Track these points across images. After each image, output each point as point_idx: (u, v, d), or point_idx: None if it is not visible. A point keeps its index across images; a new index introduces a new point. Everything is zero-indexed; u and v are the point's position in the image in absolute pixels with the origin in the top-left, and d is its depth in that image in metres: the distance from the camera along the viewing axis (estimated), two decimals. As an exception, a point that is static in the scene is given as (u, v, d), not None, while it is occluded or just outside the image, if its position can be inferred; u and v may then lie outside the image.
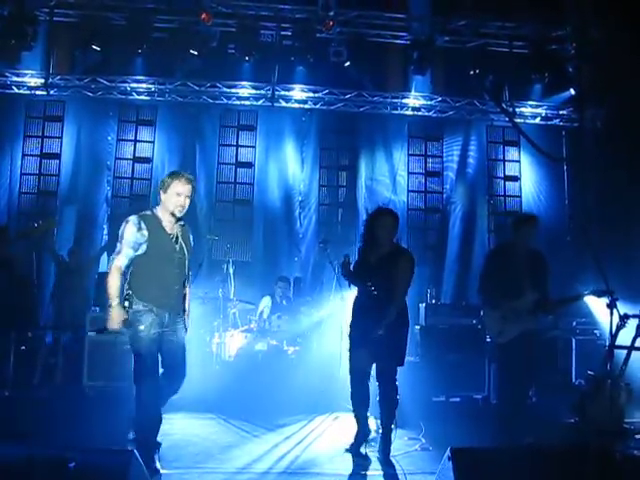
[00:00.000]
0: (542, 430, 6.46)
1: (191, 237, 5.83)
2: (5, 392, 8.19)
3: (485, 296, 6.58)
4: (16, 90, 10.91)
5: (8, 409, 7.44)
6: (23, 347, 8.70)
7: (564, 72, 10.37)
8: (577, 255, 10.49)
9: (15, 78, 10.74)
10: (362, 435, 6.06)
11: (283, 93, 11.08)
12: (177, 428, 6.84)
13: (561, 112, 11.46)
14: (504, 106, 10.72)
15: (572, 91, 10.83)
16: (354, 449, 5.99)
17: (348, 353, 6.12)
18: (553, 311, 6.42)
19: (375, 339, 5.78)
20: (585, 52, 10.21)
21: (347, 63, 10.16)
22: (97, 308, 8.79)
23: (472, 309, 9.13)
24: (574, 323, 9.25)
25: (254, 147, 11.74)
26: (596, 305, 8.14)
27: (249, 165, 11.67)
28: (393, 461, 5.76)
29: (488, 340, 8.06)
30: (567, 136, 11.81)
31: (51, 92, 10.89)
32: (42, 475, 3.11)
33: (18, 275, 8.95)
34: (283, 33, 10.11)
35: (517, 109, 11.14)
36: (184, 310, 5.76)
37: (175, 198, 5.37)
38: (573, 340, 9.18)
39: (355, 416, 6.09)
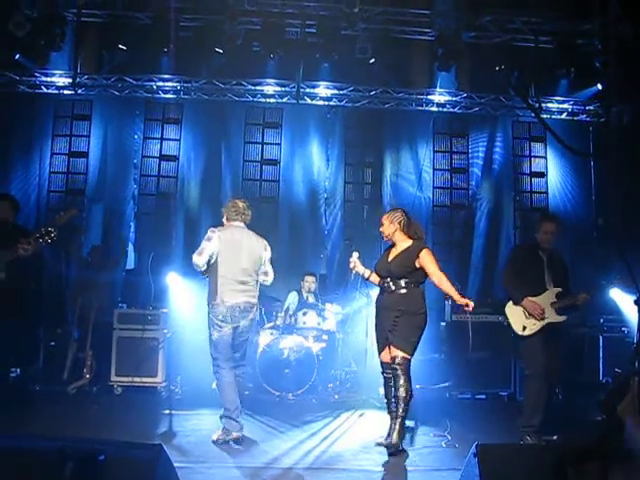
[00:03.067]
0: (569, 428, 6.44)
1: None
2: (36, 386, 8.34)
3: (509, 290, 6.64)
4: (45, 90, 11.03)
5: (39, 403, 7.56)
6: (52, 343, 8.84)
7: (591, 67, 10.21)
8: (604, 251, 10.40)
9: (44, 78, 10.84)
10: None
11: (308, 90, 11.07)
12: (204, 424, 6.91)
13: (588, 107, 11.33)
14: (530, 102, 10.63)
15: (599, 86, 10.70)
16: (388, 443, 6.06)
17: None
18: (576, 303, 6.41)
19: (387, 331, 6.01)
20: (612, 47, 10.08)
21: (372, 60, 10.12)
22: (124, 305, 8.90)
23: (498, 306, 9.05)
24: (602, 320, 9.16)
25: (279, 144, 11.76)
26: (624, 302, 8.09)
27: (274, 162, 11.69)
28: (416, 457, 5.79)
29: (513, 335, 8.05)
30: (594, 131, 11.67)
31: (79, 91, 10.97)
32: (73, 467, 3.16)
33: (48, 272, 9.09)
34: (308, 30, 10.08)
35: (543, 104, 11.03)
36: None
37: None
38: (601, 337, 9.11)
39: (388, 411, 6.20)
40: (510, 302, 6.55)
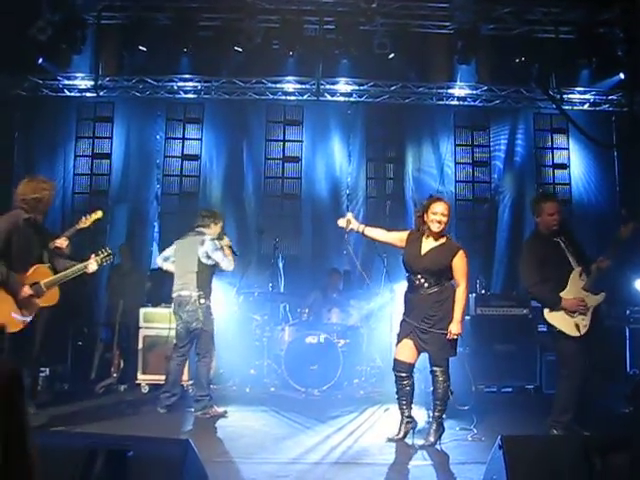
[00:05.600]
0: (596, 420, 6.39)
1: None
2: (64, 386, 8.46)
3: (539, 298, 6.28)
4: (67, 93, 11.16)
5: (68, 401, 7.66)
6: (80, 343, 8.95)
7: (613, 56, 10.10)
8: (629, 243, 10.29)
9: (66, 81, 10.97)
10: (405, 425, 6.12)
11: (328, 87, 11.08)
12: (230, 421, 6.98)
13: (610, 97, 11.21)
14: (551, 93, 10.56)
15: (621, 75, 10.59)
16: (398, 439, 6.06)
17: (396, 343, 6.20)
18: (600, 267, 6.05)
19: (427, 330, 5.87)
20: (635, 35, 9.95)
21: (391, 55, 10.10)
22: (150, 304, 8.97)
23: (522, 299, 9.07)
24: (627, 312, 9.10)
25: (301, 142, 11.81)
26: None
27: (296, 160, 11.74)
28: (442, 450, 5.80)
29: (543, 329, 7.94)
30: (617, 122, 11.55)
31: (101, 94, 11.09)
32: (102, 463, 3.21)
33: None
34: (326, 27, 10.08)
35: (565, 96, 10.94)
36: None
37: None
38: (627, 329, 9.04)
39: (399, 407, 6.16)
40: (546, 310, 6.07)
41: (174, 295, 7.24)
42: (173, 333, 8.46)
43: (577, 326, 5.92)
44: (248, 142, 11.69)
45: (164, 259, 7.57)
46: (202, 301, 7.12)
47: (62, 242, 6.36)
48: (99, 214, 6.80)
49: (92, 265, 6.41)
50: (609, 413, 7.25)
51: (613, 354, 8.94)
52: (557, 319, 6.01)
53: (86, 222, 6.67)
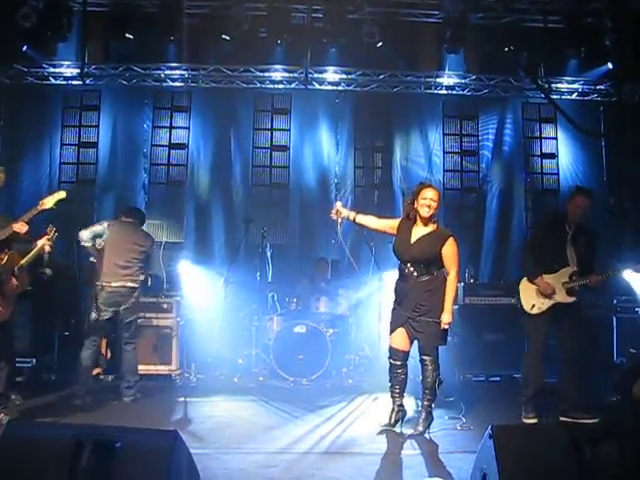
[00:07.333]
0: (584, 409, 6.41)
1: None
2: (51, 376, 8.41)
3: (526, 263, 6.64)
4: (53, 81, 11.02)
5: (55, 392, 7.61)
6: (67, 333, 8.89)
7: (601, 46, 10.10)
8: (615, 232, 10.34)
9: (52, 69, 10.83)
10: (396, 414, 6.12)
11: (316, 75, 11.02)
12: (218, 411, 6.96)
13: (598, 87, 11.20)
14: (540, 82, 10.55)
15: (609, 65, 10.58)
16: (389, 428, 6.06)
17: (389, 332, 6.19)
18: (588, 285, 6.35)
19: (417, 318, 5.86)
20: (623, 24, 9.95)
21: (379, 44, 10.05)
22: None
23: (510, 288, 9.06)
24: (615, 301, 9.13)
25: (289, 130, 11.74)
26: (637, 282, 8.06)
27: (284, 148, 11.68)
28: (431, 440, 5.81)
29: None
30: (605, 111, 11.56)
31: (87, 82, 10.98)
32: (90, 455, 3.19)
33: (60, 264, 9.10)
34: (314, 15, 10.02)
35: (553, 85, 10.94)
36: None
37: None
38: (614, 318, 9.09)
39: (391, 395, 6.16)
40: (525, 279, 6.55)
41: (116, 284, 7.17)
42: (161, 323, 8.50)
43: (533, 305, 6.44)
44: (236, 131, 11.61)
45: (96, 236, 7.30)
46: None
47: (20, 227, 6.23)
48: (62, 194, 6.72)
49: (46, 247, 6.53)
50: (597, 402, 7.28)
51: (600, 343, 8.99)
52: (526, 291, 6.54)
53: (47, 203, 6.56)
